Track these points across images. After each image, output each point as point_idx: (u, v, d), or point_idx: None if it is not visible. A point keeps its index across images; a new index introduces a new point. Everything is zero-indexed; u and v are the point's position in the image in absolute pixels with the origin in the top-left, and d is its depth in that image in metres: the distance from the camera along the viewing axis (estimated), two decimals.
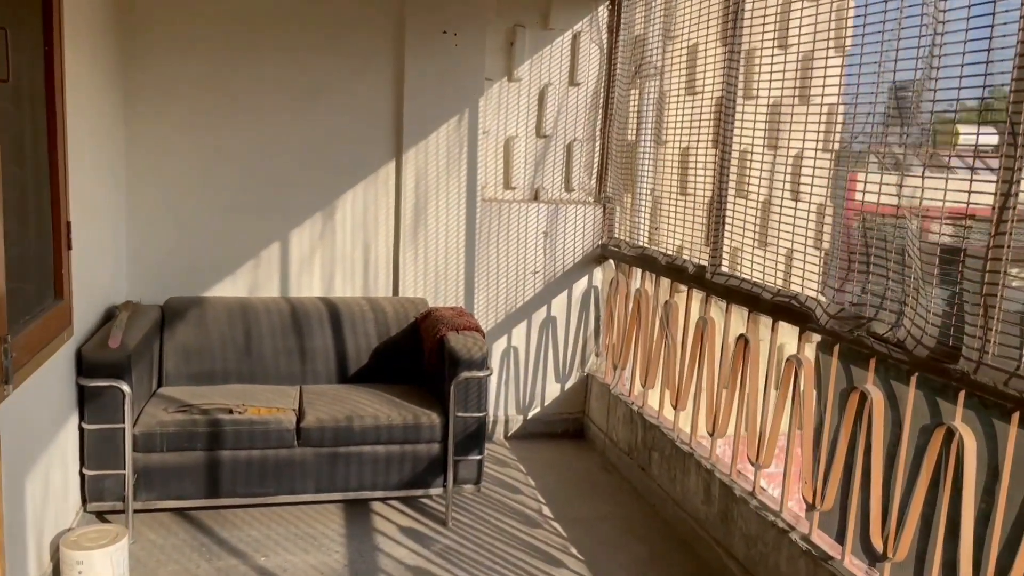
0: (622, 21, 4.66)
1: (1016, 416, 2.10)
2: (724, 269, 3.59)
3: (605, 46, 4.76)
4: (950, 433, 2.30)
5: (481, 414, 3.73)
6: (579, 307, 4.86)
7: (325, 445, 3.63)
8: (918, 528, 2.43)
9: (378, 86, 4.42)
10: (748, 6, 3.49)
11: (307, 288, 4.48)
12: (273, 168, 4.36)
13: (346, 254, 4.51)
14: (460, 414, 3.70)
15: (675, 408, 3.94)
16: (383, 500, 3.87)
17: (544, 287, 4.80)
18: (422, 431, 3.70)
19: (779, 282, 3.33)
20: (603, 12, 4.73)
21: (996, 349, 2.15)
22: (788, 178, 3.49)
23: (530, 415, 4.90)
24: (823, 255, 2.92)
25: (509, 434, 4.89)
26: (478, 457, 3.76)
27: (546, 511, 3.94)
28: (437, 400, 3.86)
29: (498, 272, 4.73)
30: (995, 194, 2.15)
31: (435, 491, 3.79)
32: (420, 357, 4.19)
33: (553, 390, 4.92)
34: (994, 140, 2.25)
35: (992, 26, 2.19)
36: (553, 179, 4.82)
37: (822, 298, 2.81)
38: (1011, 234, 2.12)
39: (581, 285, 4.85)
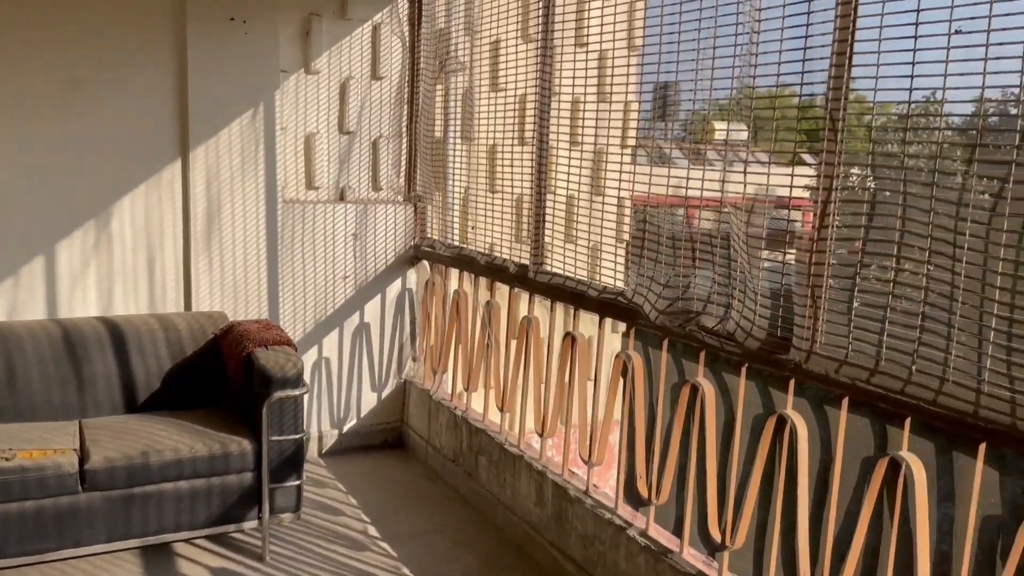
0: (423, 14, 4.50)
1: (846, 402, 2.19)
2: (547, 267, 3.54)
3: (407, 39, 4.57)
4: (783, 421, 2.36)
5: (298, 436, 3.42)
6: (394, 311, 4.65)
7: (117, 487, 3.16)
8: (755, 515, 2.49)
9: (158, 78, 3.93)
10: (559, 3, 3.46)
11: (81, 307, 3.90)
12: (32, 172, 3.74)
13: (127, 266, 3.98)
14: (275, 438, 3.37)
15: (501, 410, 3.85)
16: (189, 541, 3.45)
17: (355, 292, 4.53)
18: (232, 460, 3.33)
19: (595, 278, 3.34)
20: (403, 4, 4.54)
21: (824, 338, 2.23)
22: (593, 173, 3.53)
23: (346, 428, 4.62)
24: (645, 252, 2.93)
25: (324, 451, 4.58)
26: (296, 483, 3.45)
27: (372, 531, 3.71)
28: (247, 424, 3.50)
29: (304, 279, 4.40)
30: (818, 187, 2.22)
31: (249, 524, 3.43)
32: (223, 378, 3.79)
33: (370, 400, 4.67)
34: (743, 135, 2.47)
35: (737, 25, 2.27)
36: (360, 178, 4.56)
37: (651, 294, 2.82)
38: (833, 227, 2.20)
39: (395, 288, 4.63)
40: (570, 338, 3.31)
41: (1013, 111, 1.85)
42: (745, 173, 2.46)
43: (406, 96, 4.60)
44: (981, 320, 1.83)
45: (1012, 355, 1.77)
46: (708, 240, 2.64)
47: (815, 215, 2.22)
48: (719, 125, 2.73)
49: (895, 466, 2.05)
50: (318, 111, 4.40)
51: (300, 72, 4.32)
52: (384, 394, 4.70)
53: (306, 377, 4.40)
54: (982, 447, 1.87)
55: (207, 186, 4.07)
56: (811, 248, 2.23)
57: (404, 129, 4.63)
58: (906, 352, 2.01)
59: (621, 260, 3.25)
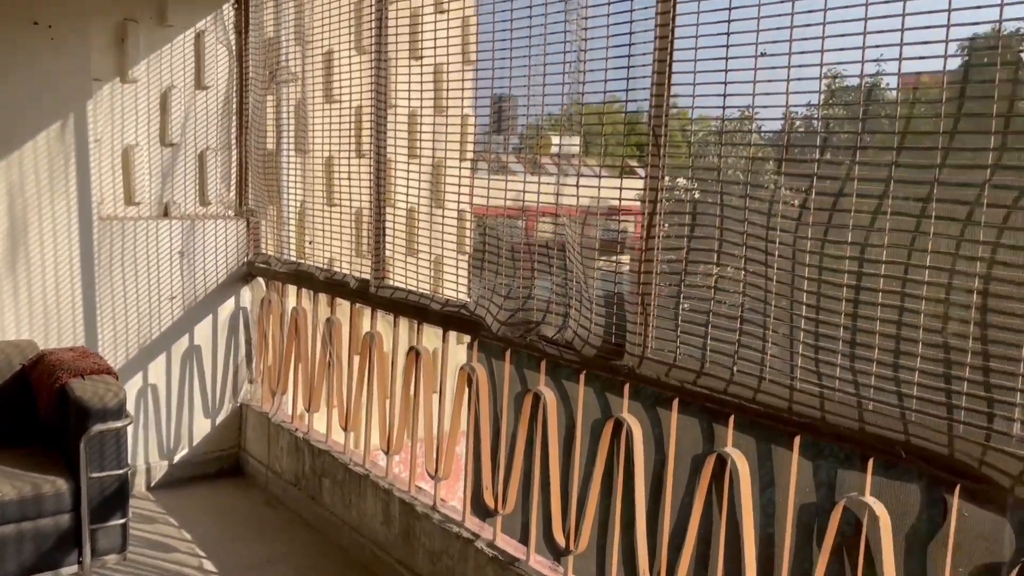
0: (251, 22, 4.33)
1: (676, 403, 2.30)
2: (389, 281, 3.50)
3: (234, 48, 4.39)
4: (620, 424, 2.45)
5: (122, 471, 3.18)
6: (227, 332, 4.43)
7: None
8: (596, 516, 2.57)
9: None
10: (392, 15, 3.44)
11: None
12: None
13: None
14: (95, 475, 3.11)
15: (345, 429, 3.75)
16: None
17: (184, 314, 4.28)
18: (45, 502, 3.04)
19: (441, 291, 3.35)
20: (228, 11, 4.35)
21: (655, 343, 2.34)
22: (434, 185, 3.54)
23: (177, 459, 4.35)
24: (486, 264, 2.96)
25: (153, 484, 4.28)
26: (121, 521, 3.20)
27: (208, 565, 3.51)
28: (62, 461, 3.21)
29: (126, 301, 4.11)
30: (644, 199, 2.33)
31: (68, 570, 3.14)
32: (33, 412, 3.46)
33: (203, 427, 4.42)
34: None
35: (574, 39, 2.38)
36: (185, 192, 4.31)
37: (493, 306, 2.85)
38: (660, 236, 2.31)
39: (228, 307, 4.42)
40: (414, 352, 3.29)
41: (815, 124, 2.02)
42: (578, 184, 2.54)
43: (235, 107, 4.41)
44: (791, 321, 1.98)
45: (819, 353, 1.93)
46: (546, 250, 2.71)
47: (643, 225, 2.33)
48: (553, 136, 2.82)
49: (722, 461, 2.17)
50: (137, 122, 4.13)
51: (116, 81, 4.04)
52: (219, 420, 4.46)
53: (130, 407, 4.11)
54: (797, 439, 2.01)
55: (10, 204, 3.72)
56: (640, 257, 2.33)
57: (234, 141, 4.44)
58: (728, 354, 2.14)
59: (464, 272, 3.27)
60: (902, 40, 1.73)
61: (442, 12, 3.41)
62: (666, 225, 2.30)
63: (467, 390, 3.06)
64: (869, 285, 1.82)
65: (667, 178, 2.31)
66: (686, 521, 2.25)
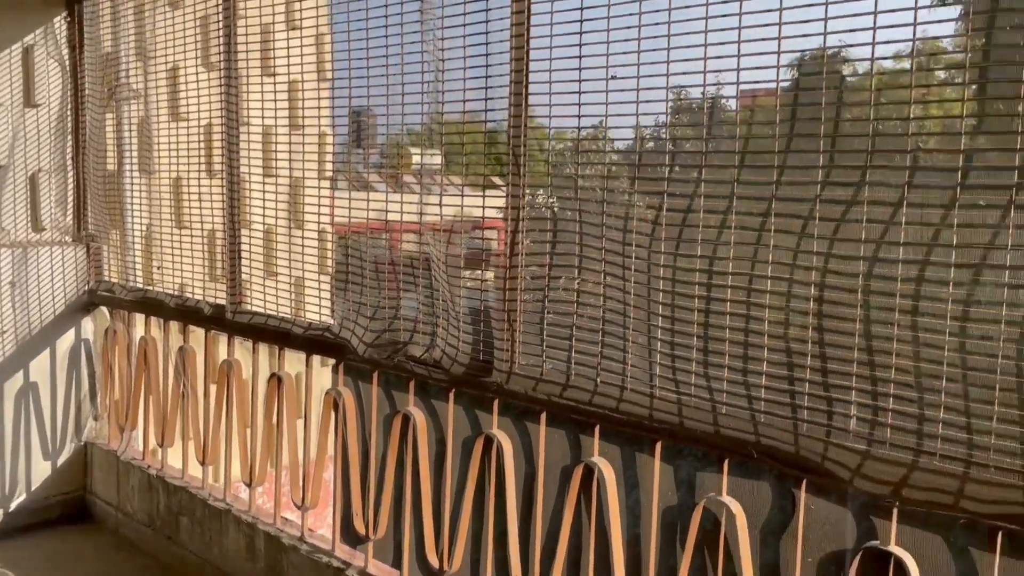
0: (86, 37, 4.08)
1: (544, 416, 2.34)
2: (247, 306, 3.37)
3: (68, 63, 4.11)
4: (489, 440, 2.47)
5: None
6: (67, 366, 4.11)
7: None
8: (470, 535, 2.57)
9: None
10: (241, 30, 3.33)
11: None
12: None
13: None
14: None
15: (203, 463, 3.57)
16: None
17: (17, 349, 3.95)
18: None
19: (304, 314, 3.26)
20: (61, 25, 4.08)
21: (522, 358, 2.38)
22: (292, 205, 3.45)
23: (13, 506, 3.99)
24: (350, 284, 2.91)
25: None
26: None
27: None
28: None
29: None
30: (506, 215, 2.37)
31: None
32: None
33: (42, 469, 4.07)
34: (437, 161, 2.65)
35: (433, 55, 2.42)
36: (15, 217, 3.99)
37: (359, 327, 2.81)
38: (523, 252, 2.36)
39: (67, 340, 4.11)
40: (276, 379, 3.18)
41: (664, 140, 2.13)
42: (441, 200, 2.55)
43: (70, 126, 4.13)
44: (649, 332, 2.07)
45: (675, 361, 2.02)
46: (411, 268, 2.70)
47: (506, 241, 2.36)
48: (414, 151, 2.82)
49: (589, 470, 2.23)
50: None
51: None
52: (60, 461, 4.14)
53: None
54: (658, 445, 2.10)
55: None
56: (505, 273, 2.36)
57: (69, 161, 4.15)
58: (591, 366, 2.20)
59: (326, 293, 3.20)
60: (739, 53, 1.84)
61: (295, 28, 3.34)
62: (528, 240, 2.35)
63: (333, 415, 2.99)
64: (718, 296, 1.93)
65: (528, 193, 2.37)
66: (557, 530, 2.30)
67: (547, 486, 2.36)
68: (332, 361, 3.01)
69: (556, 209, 2.32)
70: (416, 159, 2.82)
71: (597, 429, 2.22)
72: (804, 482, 1.84)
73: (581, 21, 2.17)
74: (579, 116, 2.21)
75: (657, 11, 2.01)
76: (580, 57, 2.18)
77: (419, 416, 2.69)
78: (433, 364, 2.58)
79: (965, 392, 1.58)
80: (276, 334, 3.17)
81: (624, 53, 2.09)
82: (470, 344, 2.49)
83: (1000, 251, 1.54)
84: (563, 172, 2.32)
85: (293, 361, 3.23)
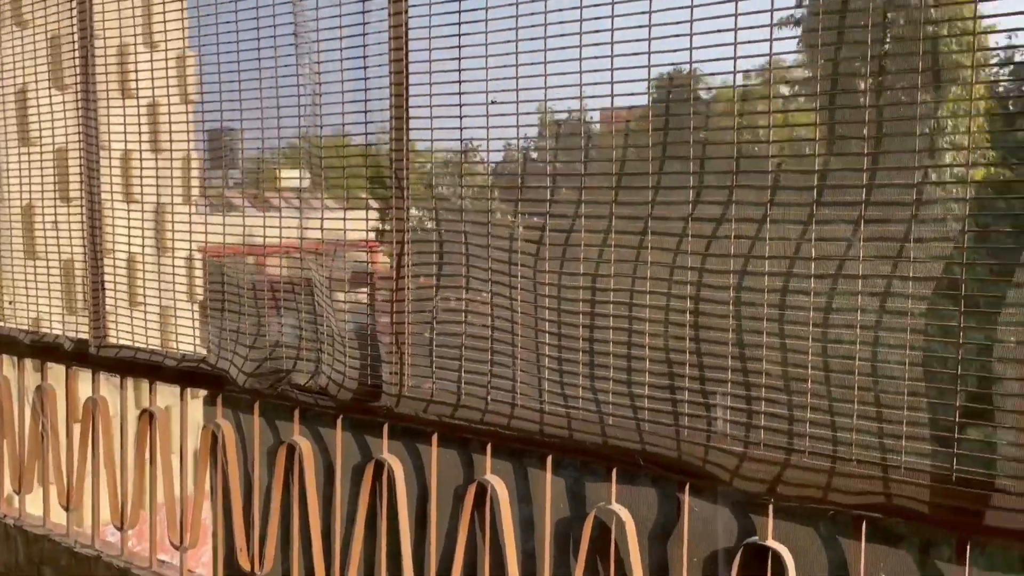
0: None
1: (435, 438, 2.35)
2: (112, 339, 3.20)
3: None
4: (380, 465, 2.45)
5: None
6: None
7: None
8: (362, 563, 2.53)
9: None
10: (100, 51, 3.19)
11: None
12: None
13: None
14: None
15: (67, 509, 3.34)
16: None
17: None
18: None
19: (167, 344, 3.13)
20: None
21: (411, 380, 2.38)
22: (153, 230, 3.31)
23: None
24: (226, 312, 2.82)
25: None
26: None
27: None
28: None
29: None
30: (392, 236, 2.37)
31: None
32: None
33: None
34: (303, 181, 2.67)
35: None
36: None
37: (237, 357, 2.72)
38: (409, 275, 2.37)
39: None
40: (148, 415, 3.03)
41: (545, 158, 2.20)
42: (322, 220, 2.52)
43: None
44: (537, 348, 2.13)
45: (563, 376, 2.08)
46: (292, 292, 2.65)
47: (392, 265, 2.37)
48: (289, 172, 2.78)
49: (483, 488, 2.26)
50: None
51: None
52: None
53: None
54: (549, 459, 2.15)
55: None
56: (392, 295, 2.36)
57: None
58: (481, 384, 2.23)
59: (201, 322, 3.08)
60: (613, 70, 1.93)
61: (158, 50, 3.22)
62: (414, 261, 2.36)
63: (212, 449, 2.88)
64: (601, 311, 2.01)
65: (413, 212, 2.39)
66: (452, 550, 2.30)
67: (441, 507, 2.36)
68: (204, 393, 2.90)
69: (442, 230, 2.34)
70: (291, 179, 2.79)
71: (489, 447, 2.25)
72: (687, 486, 1.94)
73: (459, 48, 2.21)
74: (460, 139, 2.26)
75: (533, 26, 2.07)
76: (460, 82, 2.22)
77: (305, 445, 2.63)
78: (319, 391, 2.54)
79: (828, 393, 1.72)
80: (147, 368, 3.03)
81: (503, 78, 2.15)
82: (357, 369, 2.46)
83: (853, 262, 1.68)
84: (446, 193, 2.35)
85: (167, 395, 3.09)
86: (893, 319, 1.65)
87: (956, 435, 1.60)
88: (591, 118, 2.13)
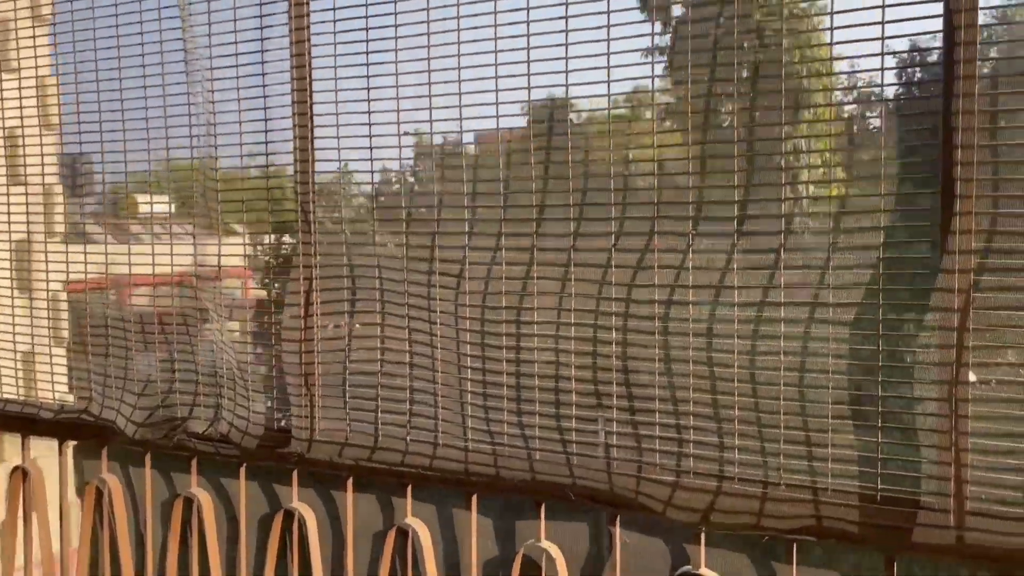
0: None
1: (350, 483, 2.23)
2: None
3: None
4: (290, 515, 2.31)
5: None
6: None
7: None
8: None
9: None
10: None
11: None
12: None
13: None
14: None
15: None
16: None
17: None
18: None
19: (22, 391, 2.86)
20: None
21: (323, 423, 2.26)
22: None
23: None
24: (111, 356, 2.61)
25: None
26: None
27: None
28: None
29: None
30: (300, 272, 2.25)
31: None
32: None
33: None
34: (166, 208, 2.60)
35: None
36: None
37: (125, 405, 2.51)
38: (318, 312, 2.25)
39: None
40: (21, 472, 2.74)
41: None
42: (220, 248, 2.38)
43: None
44: (460, 384, 2.06)
45: (489, 412, 2.03)
46: (183, 329, 2.47)
47: (302, 302, 2.25)
48: (155, 199, 2.63)
49: (403, 532, 2.16)
50: None
51: None
52: None
53: None
54: (474, 498, 2.08)
55: None
56: (300, 334, 2.24)
57: None
58: (400, 424, 2.14)
59: (80, 366, 2.82)
60: (497, 94, 1.93)
61: (11, 71, 2.98)
62: (323, 297, 2.25)
63: (97, 508, 2.64)
64: (527, 344, 1.97)
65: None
66: None
67: (359, 555, 2.24)
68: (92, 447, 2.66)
69: (351, 259, 2.24)
70: (157, 206, 2.64)
71: (409, 489, 2.15)
72: (618, 518, 1.92)
73: (368, 75, 2.15)
74: (371, 170, 2.18)
75: (447, 45, 2.04)
76: (369, 113, 2.15)
77: (204, 497, 2.45)
78: (220, 439, 2.37)
79: (757, 419, 1.74)
80: (19, 421, 2.75)
81: (417, 109, 2.10)
82: (263, 413, 2.32)
83: (776, 290, 1.72)
84: (358, 223, 2.26)
85: (44, 449, 2.81)
86: (817, 344, 1.69)
87: (879, 455, 1.65)
88: (468, 141, 2.11)
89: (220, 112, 2.35)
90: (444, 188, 2.09)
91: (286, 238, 2.46)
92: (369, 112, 2.16)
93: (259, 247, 2.58)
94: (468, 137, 2.10)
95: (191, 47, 2.41)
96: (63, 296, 3.09)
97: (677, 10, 1.87)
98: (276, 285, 2.55)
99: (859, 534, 1.65)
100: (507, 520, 2.06)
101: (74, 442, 2.69)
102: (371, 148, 2.16)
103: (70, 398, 2.79)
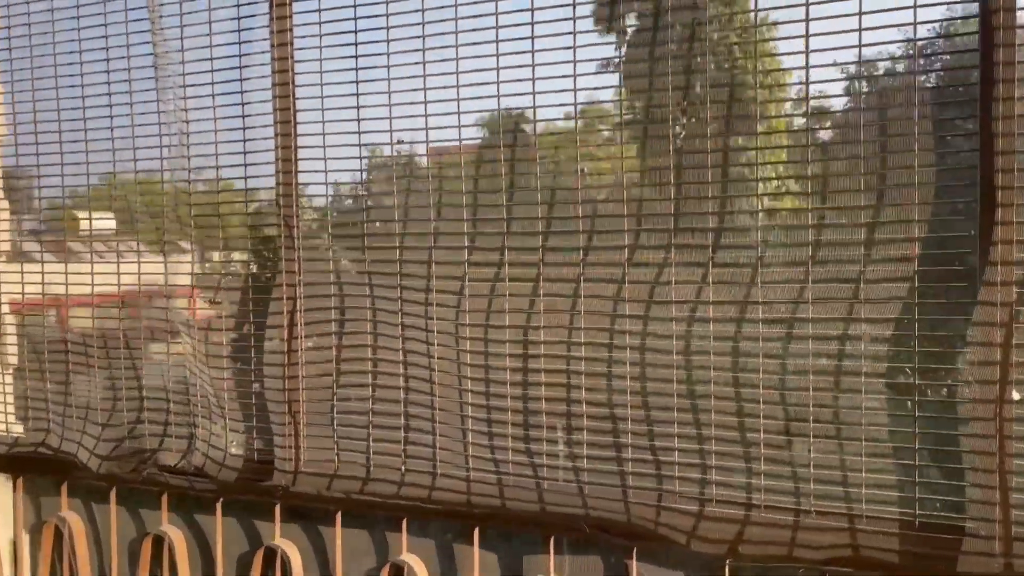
0: None
1: (339, 517, 2.07)
2: None
3: None
4: (272, 553, 2.13)
5: None
6: None
7: None
8: None
9: None
10: None
11: None
12: None
13: None
14: None
15: None
16: None
17: None
18: None
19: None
20: None
21: (309, 454, 2.10)
22: None
23: None
24: (71, 385, 2.41)
25: None
26: None
27: None
28: None
29: None
30: (284, 296, 2.09)
31: None
32: None
33: None
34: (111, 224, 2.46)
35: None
36: None
37: (87, 437, 2.31)
38: (303, 335, 2.10)
39: None
40: None
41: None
42: (193, 269, 2.21)
43: None
44: (461, 410, 1.92)
45: (493, 439, 1.89)
46: (150, 352, 2.30)
47: (286, 322, 2.09)
48: (98, 215, 2.46)
49: (398, 570, 2.00)
50: None
51: None
52: None
53: None
54: (476, 532, 1.93)
55: None
56: (284, 358, 2.08)
57: None
58: (395, 454, 1.99)
59: (37, 397, 2.60)
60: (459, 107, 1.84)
61: None
62: (307, 317, 2.10)
63: (55, 549, 2.43)
64: (535, 366, 1.85)
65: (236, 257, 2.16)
66: None
67: None
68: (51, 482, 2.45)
69: (340, 276, 2.10)
70: (101, 223, 2.48)
71: (405, 523, 2.00)
72: (635, 551, 1.79)
73: (357, 94, 2.01)
74: (361, 196, 2.05)
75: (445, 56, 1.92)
76: (359, 124, 2.02)
77: (176, 535, 2.26)
78: (194, 472, 2.19)
79: (788, 443, 1.64)
80: None
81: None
82: (243, 443, 2.15)
83: (804, 306, 1.62)
84: (348, 242, 2.11)
85: None
86: (850, 363, 1.60)
87: (917, 479, 1.56)
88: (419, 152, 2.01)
89: (196, 131, 2.20)
90: (443, 200, 1.96)
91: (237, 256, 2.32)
92: (359, 119, 2.02)
93: (232, 264, 2.41)
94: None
95: (162, 63, 2.24)
96: (8, 317, 2.87)
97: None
98: (252, 307, 2.37)
99: (899, 563, 1.55)
100: (513, 555, 1.92)
101: (30, 477, 2.48)
102: (361, 158, 2.02)
103: (20, 429, 2.57)
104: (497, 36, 1.83)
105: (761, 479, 1.67)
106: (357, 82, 1.99)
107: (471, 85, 1.86)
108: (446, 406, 1.94)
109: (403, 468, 1.99)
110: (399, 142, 1.98)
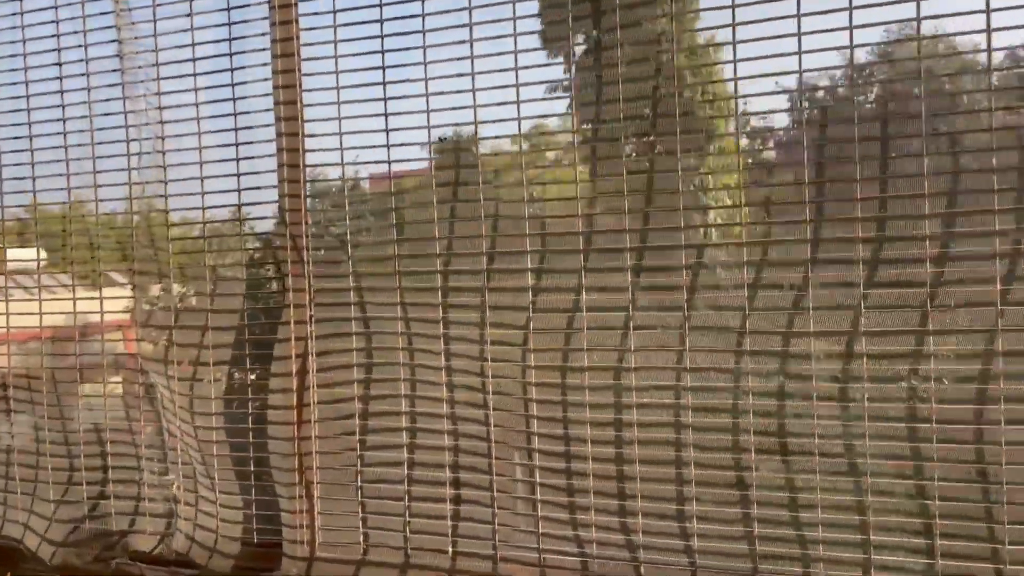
0: None
1: None
2: None
3: None
4: None
5: None
6: None
7: None
8: None
9: None
10: None
11: None
12: None
13: None
14: None
15: None
16: None
17: None
18: None
19: None
20: None
21: (325, 535, 1.67)
22: None
23: None
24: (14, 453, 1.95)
25: None
26: None
27: None
28: None
29: None
30: (292, 335, 1.68)
31: None
32: None
33: None
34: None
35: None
36: None
37: (36, 518, 1.85)
38: (315, 386, 1.68)
39: None
40: None
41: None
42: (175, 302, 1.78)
43: None
44: (531, 474, 1.53)
45: (575, 512, 1.49)
46: (119, 405, 1.86)
47: (294, 369, 1.67)
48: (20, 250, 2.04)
49: None
50: None
51: None
52: None
53: None
54: None
55: None
56: (295, 416, 1.66)
57: None
58: (442, 533, 1.58)
59: None
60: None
61: None
62: (320, 359, 1.68)
63: None
64: (628, 418, 1.46)
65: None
66: None
67: None
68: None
69: (366, 304, 1.69)
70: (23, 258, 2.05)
71: None
72: None
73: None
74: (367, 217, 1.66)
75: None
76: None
77: None
78: (176, 561, 1.74)
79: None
80: None
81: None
82: (240, 522, 1.71)
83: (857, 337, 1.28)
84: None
85: None
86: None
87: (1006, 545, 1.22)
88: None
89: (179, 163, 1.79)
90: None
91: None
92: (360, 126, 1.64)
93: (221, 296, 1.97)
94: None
95: (128, 51, 1.84)
96: None
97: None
98: (248, 349, 1.93)
99: None
100: None
101: None
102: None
103: None
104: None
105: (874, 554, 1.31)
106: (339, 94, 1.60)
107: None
108: (505, 469, 1.55)
109: (451, 550, 1.58)
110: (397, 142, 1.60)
